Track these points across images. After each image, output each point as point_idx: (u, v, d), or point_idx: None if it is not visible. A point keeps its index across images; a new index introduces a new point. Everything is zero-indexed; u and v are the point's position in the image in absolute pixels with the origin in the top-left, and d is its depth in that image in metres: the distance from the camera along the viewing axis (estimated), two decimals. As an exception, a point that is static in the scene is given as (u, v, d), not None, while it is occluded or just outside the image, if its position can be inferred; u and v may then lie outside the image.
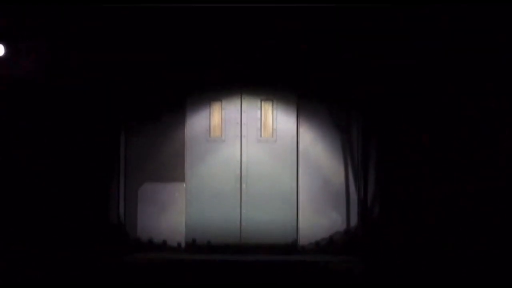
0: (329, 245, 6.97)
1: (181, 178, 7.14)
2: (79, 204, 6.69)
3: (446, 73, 6.39)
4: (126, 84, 7.07)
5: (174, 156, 7.17)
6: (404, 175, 6.71)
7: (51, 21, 6.47)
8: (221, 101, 7.19)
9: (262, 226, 7.01)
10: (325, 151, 7.12)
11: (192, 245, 7.01)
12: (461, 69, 6.24)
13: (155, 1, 6.21)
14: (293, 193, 7.05)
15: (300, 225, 7.03)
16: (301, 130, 7.15)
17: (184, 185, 7.12)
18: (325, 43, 6.94)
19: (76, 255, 6.37)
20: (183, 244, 7.06)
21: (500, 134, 5.93)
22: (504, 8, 5.53)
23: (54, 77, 6.65)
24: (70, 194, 6.65)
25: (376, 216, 6.92)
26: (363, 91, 6.97)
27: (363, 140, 7.04)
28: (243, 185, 7.07)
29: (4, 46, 6.42)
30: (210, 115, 7.19)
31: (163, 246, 7.05)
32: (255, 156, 7.11)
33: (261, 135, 7.15)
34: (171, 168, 7.16)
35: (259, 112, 7.17)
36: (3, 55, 6.42)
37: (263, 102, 7.19)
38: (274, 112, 7.17)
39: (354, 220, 7.00)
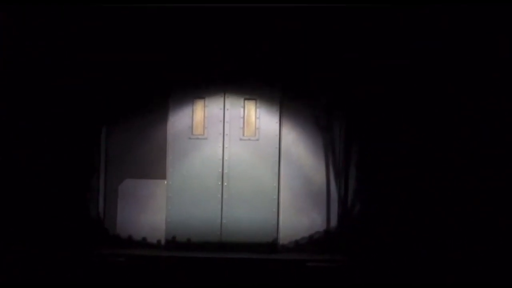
0: (309, 244, 7.01)
1: (162, 175, 7.11)
2: (58, 199, 6.60)
3: (428, 73, 6.47)
4: (109, 80, 7.02)
5: (155, 153, 7.14)
6: (385, 175, 6.78)
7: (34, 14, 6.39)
8: (204, 98, 7.19)
9: (242, 224, 7.01)
10: (307, 151, 7.17)
11: (172, 242, 6.98)
12: (444, 69, 6.33)
13: (139, 1, 6.20)
14: (275, 192, 7.07)
15: (281, 224, 7.05)
16: (283, 129, 7.18)
17: (165, 182, 7.09)
18: (308, 43, 7.00)
19: (53, 251, 6.28)
20: (163, 241, 7.03)
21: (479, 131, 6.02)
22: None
23: (33, 71, 6.55)
24: (49, 189, 6.55)
25: (356, 216, 6.97)
26: (345, 92, 7.05)
27: (345, 140, 7.11)
28: (225, 183, 7.07)
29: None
30: (193, 112, 7.18)
31: (143, 243, 7.01)
32: (237, 155, 7.11)
33: (243, 134, 7.16)
34: (153, 165, 7.13)
35: (242, 110, 7.18)
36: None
37: (246, 101, 7.20)
38: (257, 111, 7.19)
39: (334, 220, 7.05)
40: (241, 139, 7.15)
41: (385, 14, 6.36)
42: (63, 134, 6.71)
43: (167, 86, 7.14)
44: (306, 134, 7.17)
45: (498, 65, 5.71)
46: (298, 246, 7.03)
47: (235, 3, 6.21)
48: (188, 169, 7.08)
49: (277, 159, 7.12)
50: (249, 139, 7.15)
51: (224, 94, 7.19)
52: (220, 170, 7.09)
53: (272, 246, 6.99)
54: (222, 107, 7.18)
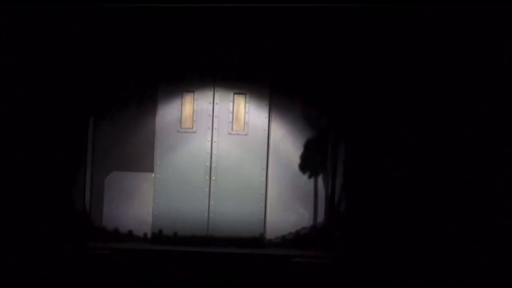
0: (295, 240, 7.05)
1: (150, 168, 7.07)
2: (43, 192, 6.53)
3: (421, 70, 6.50)
4: (97, 71, 6.93)
5: (143, 145, 7.09)
6: (372, 172, 6.82)
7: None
8: (193, 92, 7.14)
9: (230, 219, 7.02)
10: (295, 147, 7.18)
11: (159, 236, 6.97)
12: (433, 67, 6.36)
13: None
14: (262, 187, 7.08)
15: (268, 219, 7.07)
16: (272, 124, 7.18)
17: (153, 175, 7.05)
18: (299, 39, 6.99)
19: (38, 245, 6.23)
20: (149, 235, 7.01)
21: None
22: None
23: (19, 61, 6.44)
24: (33, 182, 6.48)
25: (343, 212, 7.01)
26: (335, 89, 7.06)
27: (333, 137, 7.12)
28: (213, 178, 7.06)
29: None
30: (182, 106, 7.13)
31: (129, 236, 6.98)
32: (226, 149, 7.10)
33: (232, 128, 7.14)
34: (140, 158, 7.08)
35: (231, 105, 7.16)
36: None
37: (235, 95, 7.17)
38: (247, 105, 7.17)
39: (321, 216, 7.09)
40: (230, 134, 7.13)
41: (381, 13, 6.36)
42: (49, 126, 6.62)
43: (156, 79, 7.07)
44: (295, 130, 7.17)
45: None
46: (285, 241, 7.06)
47: (226, 3, 6.19)
48: (176, 162, 7.05)
49: (265, 154, 7.12)
50: (238, 134, 7.13)
51: (214, 88, 7.15)
52: (208, 164, 7.07)
53: (258, 241, 7.02)
54: (211, 101, 7.14)
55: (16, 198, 6.26)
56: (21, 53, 6.34)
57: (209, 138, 7.10)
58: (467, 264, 5.69)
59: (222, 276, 6.24)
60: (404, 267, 6.12)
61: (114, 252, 6.49)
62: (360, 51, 6.80)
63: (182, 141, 7.08)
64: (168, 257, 6.52)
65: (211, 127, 7.11)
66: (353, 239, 6.74)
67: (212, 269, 6.42)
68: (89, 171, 7.01)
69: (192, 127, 7.11)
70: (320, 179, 7.15)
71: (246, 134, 7.13)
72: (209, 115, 7.12)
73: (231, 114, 7.15)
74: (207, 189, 7.05)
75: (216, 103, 7.14)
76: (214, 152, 7.08)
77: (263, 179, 7.08)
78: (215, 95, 7.14)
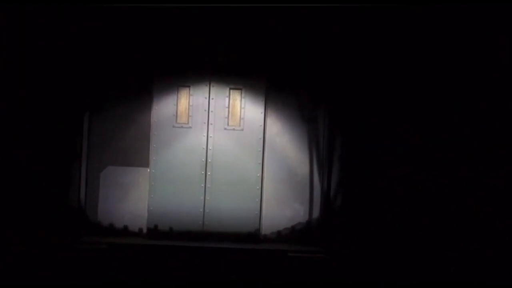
0: (291, 235, 7.06)
1: (145, 163, 7.05)
2: (38, 186, 6.50)
3: (415, 69, 6.51)
4: (91, 66, 6.90)
5: (139, 140, 7.07)
6: (368, 168, 6.84)
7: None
8: (189, 87, 7.12)
9: (225, 214, 7.02)
10: (291, 142, 7.18)
11: (154, 231, 6.96)
12: (433, 67, 6.37)
13: None
14: (258, 183, 7.08)
15: (264, 214, 7.08)
16: (268, 120, 7.17)
17: (148, 170, 7.04)
18: (295, 36, 6.97)
19: (32, 238, 6.21)
20: (144, 230, 7.00)
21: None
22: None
23: (15, 55, 6.39)
24: (28, 176, 6.44)
25: (338, 208, 7.04)
26: (331, 84, 7.05)
27: (329, 133, 7.13)
28: (208, 173, 7.05)
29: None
30: (177, 100, 7.11)
31: (124, 231, 6.97)
32: (222, 144, 7.09)
33: (228, 123, 7.13)
34: (136, 153, 7.06)
35: (227, 100, 7.14)
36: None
37: (231, 90, 7.16)
38: (242, 100, 7.15)
39: (316, 211, 7.11)
40: (225, 129, 7.11)
41: (380, 12, 6.35)
42: (44, 121, 6.58)
43: (151, 74, 7.04)
44: (290, 125, 7.17)
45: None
46: (280, 236, 7.07)
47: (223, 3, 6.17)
48: (171, 157, 7.03)
49: (261, 149, 7.12)
50: (233, 129, 7.12)
51: (210, 83, 7.13)
52: (204, 159, 7.06)
53: (254, 236, 7.02)
54: (207, 96, 7.12)
55: (11, 194, 6.23)
56: (18, 46, 6.30)
57: (205, 133, 7.08)
58: (464, 262, 5.72)
59: (217, 271, 6.25)
60: (400, 263, 6.15)
61: (110, 247, 6.48)
62: (358, 48, 6.80)
63: (177, 136, 7.06)
64: (163, 252, 6.52)
65: (206, 122, 7.09)
66: (349, 234, 6.76)
67: (207, 264, 6.42)
68: (84, 166, 6.99)
69: (188, 122, 7.10)
70: (315, 175, 7.15)
71: (242, 129, 7.12)
72: (205, 110, 7.10)
73: (227, 109, 7.13)
74: (202, 184, 7.04)
75: (212, 98, 7.12)
76: (209, 147, 7.07)
77: (259, 174, 7.09)
78: (211, 90, 7.12)
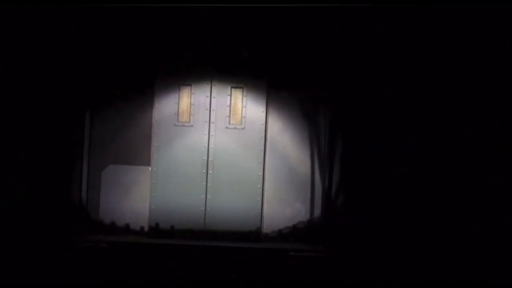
0: (292, 234, 7.07)
1: (146, 161, 7.05)
2: (39, 185, 6.51)
3: (415, 68, 6.50)
4: (94, 64, 6.89)
5: (140, 139, 7.07)
6: (369, 167, 6.84)
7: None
8: (190, 85, 7.11)
9: (226, 212, 7.03)
10: (292, 141, 7.18)
11: (155, 230, 6.97)
12: (433, 67, 6.37)
13: None
14: (259, 181, 7.09)
15: (265, 213, 7.09)
16: (270, 118, 7.17)
17: (150, 169, 7.04)
18: (296, 34, 6.96)
19: (34, 237, 6.23)
20: (146, 228, 7.01)
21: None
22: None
23: (16, 55, 6.39)
24: (30, 175, 6.45)
25: (339, 207, 7.04)
26: (332, 83, 7.05)
27: (330, 131, 7.13)
28: (210, 172, 7.06)
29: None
30: (179, 99, 7.11)
31: (126, 229, 6.98)
32: (223, 143, 7.09)
33: (229, 122, 7.13)
34: (137, 151, 7.07)
35: (228, 98, 7.13)
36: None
37: (233, 89, 7.15)
38: (244, 99, 7.15)
39: (318, 210, 7.11)
40: (227, 128, 7.11)
41: (380, 12, 6.34)
42: (45, 120, 6.58)
43: (152, 72, 7.03)
44: (292, 125, 7.17)
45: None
46: (281, 235, 7.08)
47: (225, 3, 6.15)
48: (173, 156, 7.04)
49: (262, 148, 7.12)
50: (235, 128, 7.12)
51: (211, 82, 7.12)
52: (205, 158, 7.07)
53: (255, 235, 7.03)
54: (208, 94, 7.12)
55: (12, 193, 6.23)
56: (18, 46, 6.29)
57: (206, 132, 7.09)
58: (465, 262, 5.73)
59: (218, 270, 6.27)
60: (401, 263, 6.16)
61: (111, 245, 6.49)
62: (359, 48, 6.79)
63: (179, 135, 7.06)
64: (164, 251, 6.53)
65: (208, 121, 7.09)
66: (350, 233, 6.77)
67: (208, 262, 6.43)
68: (85, 165, 7.00)
69: (189, 121, 7.10)
70: (317, 174, 7.16)
71: (243, 128, 7.12)
72: (206, 108, 7.10)
73: (228, 108, 7.13)
74: (204, 183, 7.05)
75: (214, 97, 7.12)
76: (211, 146, 7.07)
77: (260, 173, 7.09)
78: (213, 89, 7.12)
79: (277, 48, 7.04)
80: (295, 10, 6.64)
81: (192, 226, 6.99)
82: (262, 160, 7.10)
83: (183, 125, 7.08)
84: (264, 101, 7.13)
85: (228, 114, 7.12)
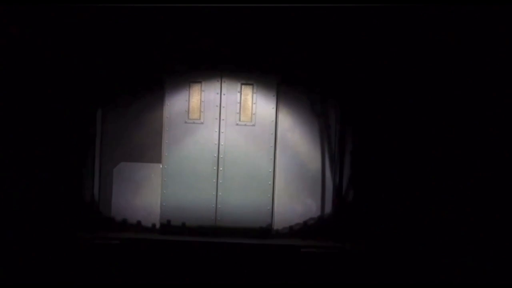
0: (303, 230, 7.06)
1: (157, 159, 7.09)
2: (52, 182, 6.57)
3: (423, 63, 6.46)
4: (105, 62, 6.93)
5: (151, 136, 7.11)
6: (380, 163, 6.81)
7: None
8: (201, 83, 7.13)
9: (237, 209, 7.04)
10: (302, 137, 7.17)
11: (167, 226, 7.01)
12: (442, 61, 6.32)
13: None
14: (270, 178, 7.09)
15: (275, 209, 7.09)
16: (280, 115, 7.16)
17: (161, 166, 7.08)
18: (305, 30, 6.93)
19: (47, 233, 6.29)
20: (157, 225, 7.05)
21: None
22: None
23: (28, 52, 6.45)
24: (43, 170, 6.52)
25: (350, 203, 7.02)
26: (342, 79, 7.02)
27: (340, 128, 7.11)
28: (220, 168, 7.07)
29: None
30: (189, 96, 7.13)
31: (138, 226, 7.02)
32: (233, 140, 7.10)
33: (240, 119, 7.14)
34: (148, 149, 7.11)
35: (238, 95, 7.14)
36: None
37: (243, 86, 7.16)
38: (254, 96, 7.15)
39: (328, 206, 7.10)
40: (237, 124, 7.12)
41: (386, 11, 6.31)
42: (58, 117, 6.65)
43: (163, 70, 7.06)
44: (302, 121, 7.16)
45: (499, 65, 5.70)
46: (292, 232, 7.08)
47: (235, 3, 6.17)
48: (183, 153, 7.07)
49: (273, 145, 7.12)
50: (245, 125, 7.13)
51: (221, 79, 7.13)
52: (216, 155, 7.08)
53: (266, 231, 7.04)
54: (218, 91, 7.13)
55: (26, 191, 6.31)
56: (30, 45, 6.36)
57: (217, 129, 7.10)
58: (466, 261, 5.69)
59: (230, 267, 6.29)
60: (413, 258, 6.13)
61: (123, 242, 6.54)
62: (369, 43, 6.74)
63: (189, 132, 7.09)
64: (176, 247, 6.57)
65: (218, 118, 7.11)
66: (361, 229, 6.75)
67: (219, 259, 6.45)
68: (97, 162, 7.05)
69: (200, 118, 7.12)
70: (327, 170, 7.14)
71: (253, 125, 7.12)
72: (217, 105, 7.12)
73: (238, 105, 7.14)
74: (214, 180, 7.07)
75: (224, 94, 7.13)
76: (221, 143, 7.09)
77: (271, 169, 7.09)
78: (223, 86, 7.13)
79: (287, 45, 7.02)
80: (305, 8, 6.61)
81: (203, 222, 7.02)
82: (272, 157, 7.10)
83: (194, 122, 7.10)
84: (274, 98, 7.13)
85: (238, 111, 7.13)
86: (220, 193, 7.06)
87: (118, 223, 7.00)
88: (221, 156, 7.08)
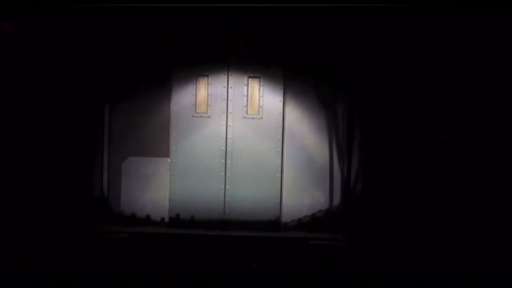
0: (311, 223, 7.06)
1: (165, 153, 7.11)
2: (62, 177, 6.63)
3: (430, 55, 6.40)
4: (111, 58, 6.95)
5: (159, 130, 7.12)
6: (388, 155, 6.77)
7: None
8: (207, 76, 7.13)
9: (245, 202, 7.05)
10: (310, 130, 7.14)
11: (176, 220, 7.04)
12: (450, 54, 6.26)
13: None
14: (278, 171, 7.08)
15: (284, 202, 7.09)
16: (287, 108, 7.14)
17: (169, 160, 7.10)
18: (312, 23, 6.89)
19: (57, 228, 6.35)
20: (166, 219, 7.08)
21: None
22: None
23: (36, 47, 6.49)
24: (53, 166, 6.57)
25: (358, 195, 7.00)
26: (349, 71, 6.98)
27: (348, 120, 7.07)
28: (228, 162, 7.08)
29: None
30: (196, 90, 7.13)
31: (147, 220, 7.06)
32: (241, 133, 7.10)
33: (247, 112, 7.13)
34: (156, 143, 7.12)
35: (245, 88, 7.13)
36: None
37: (250, 79, 7.14)
38: (261, 89, 7.13)
39: (337, 199, 7.08)
40: (244, 118, 7.11)
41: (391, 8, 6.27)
42: (66, 112, 6.69)
43: (169, 64, 7.06)
44: (309, 113, 7.13)
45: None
46: (301, 224, 7.08)
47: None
48: (191, 147, 7.08)
49: (280, 137, 7.11)
50: (252, 118, 7.12)
51: (228, 72, 7.12)
52: (224, 148, 7.09)
53: (274, 224, 7.04)
54: (225, 85, 7.12)
55: (35, 186, 6.36)
56: (38, 42, 6.39)
57: (224, 122, 7.10)
58: (467, 260, 5.65)
59: (239, 260, 6.31)
60: (421, 251, 6.11)
61: (132, 236, 6.59)
62: (377, 35, 6.69)
63: (197, 126, 7.09)
64: (185, 241, 6.60)
65: (225, 111, 7.10)
66: (370, 222, 6.73)
67: (228, 252, 6.48)
68: (106, 157, 7.09)
69: (207, 112, 7.12)
70: (335, 162, 7.12)
71: (260, 118, 7.11)
72: (224, 99, 7.11)
73: (245, 98, 7.12)
74: (222, 173, 7.08)
75: (231, 87, 7.12)
76: (229, 136, 7.09)
77: (279, 162, 7.08)
78: (229, 79, 7.12)
79: (293, 37, 6.99)
80: (311, 1, 6.57)
81: (212, 216, 7.04)
82: (280, 150, 7.09)
83: (201, 116, 7.11)
84: (281, 90, 7.10)
85: (245, 104, 7.12)
86: (228, 187, 7.08)
87: (127, 217, 7.04)
88: (228, 149, 7.09)
